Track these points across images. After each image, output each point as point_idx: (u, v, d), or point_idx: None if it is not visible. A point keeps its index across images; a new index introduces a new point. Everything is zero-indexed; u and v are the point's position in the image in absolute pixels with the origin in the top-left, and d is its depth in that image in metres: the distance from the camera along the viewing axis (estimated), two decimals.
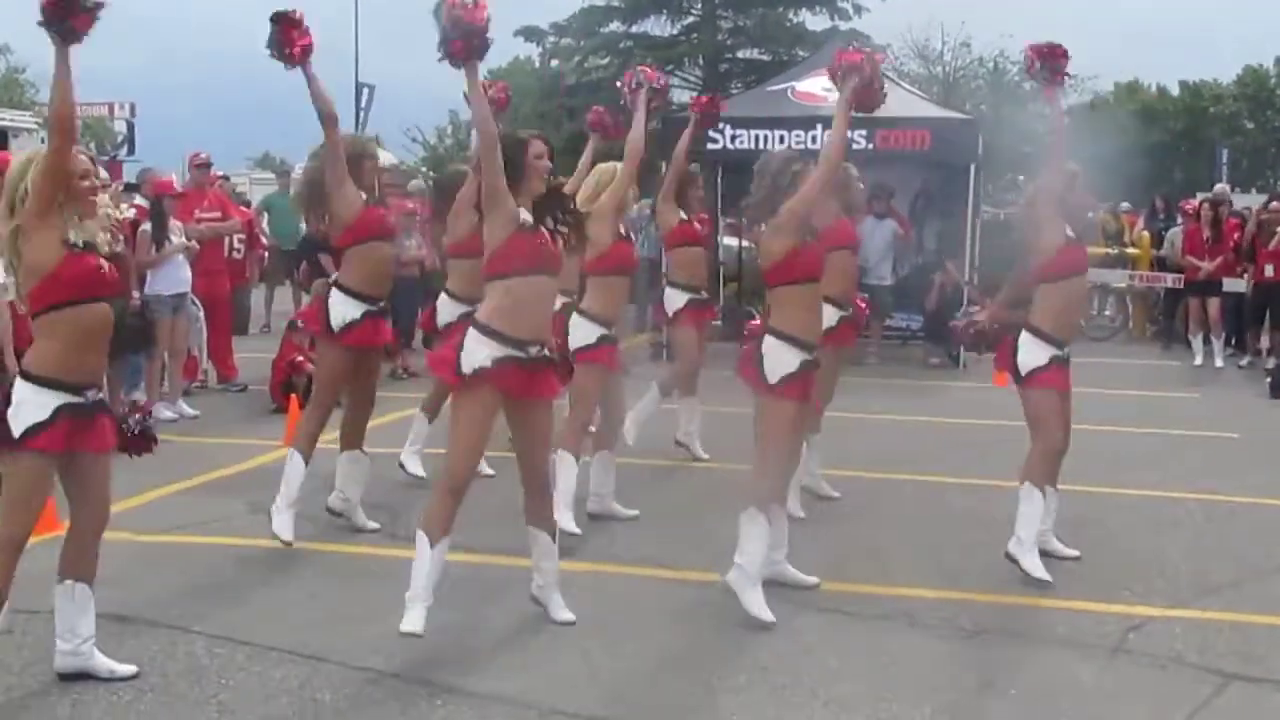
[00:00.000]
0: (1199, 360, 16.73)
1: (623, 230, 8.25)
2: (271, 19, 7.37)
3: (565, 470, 7.92)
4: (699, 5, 31.08)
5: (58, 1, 4.98)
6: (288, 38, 7.34)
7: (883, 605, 6.64)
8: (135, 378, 12.37)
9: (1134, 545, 7.88)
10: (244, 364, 13.75)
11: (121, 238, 10.67)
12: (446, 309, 9.01)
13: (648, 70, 8.56)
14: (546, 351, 6.03)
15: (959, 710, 5.33)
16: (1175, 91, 63.52)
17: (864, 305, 9.11)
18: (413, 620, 5.71)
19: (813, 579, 6.91)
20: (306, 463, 7.59)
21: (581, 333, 7.84)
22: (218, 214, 13.56)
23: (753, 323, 7.22)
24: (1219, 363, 16.57)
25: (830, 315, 7.75)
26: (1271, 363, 16.47)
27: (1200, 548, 7.86)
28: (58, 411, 5.11)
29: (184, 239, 12.05)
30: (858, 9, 30.59)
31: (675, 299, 9.69)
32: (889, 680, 5.61)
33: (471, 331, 5.88)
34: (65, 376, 5.16)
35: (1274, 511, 8.77)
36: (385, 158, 25.06)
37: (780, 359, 6.36)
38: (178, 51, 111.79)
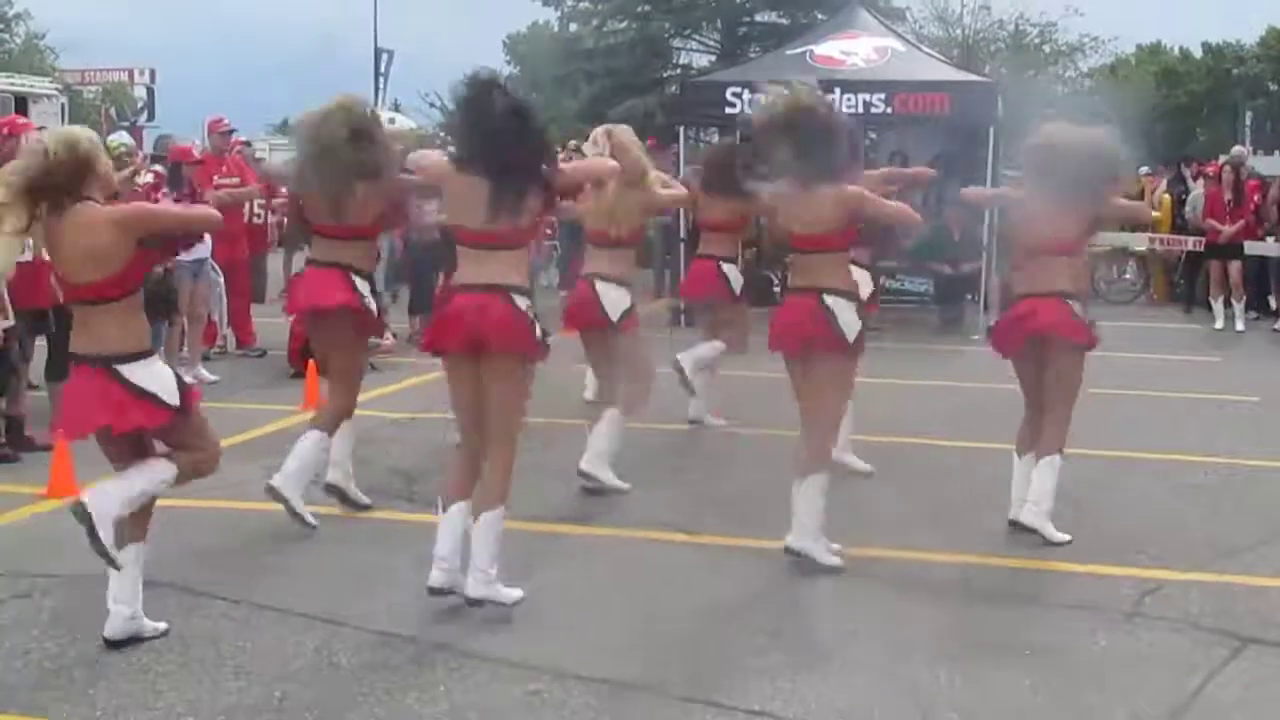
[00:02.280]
0: (1220, 324, 16.67)
1: None
2: None
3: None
4: None
5: None
6: None
7: (897, 568, 6.65)
8: (156, 342, 12.41)
9: (1151, 509, 7.87)
10: (262, 329, 13.80)
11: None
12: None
13: None
14: None
15: (974, 672, 5.33)
16: (1198, 53, 63.03)
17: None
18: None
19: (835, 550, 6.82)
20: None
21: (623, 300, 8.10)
22: (237, 180, 13.56)
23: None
24: (1240, 326, 16.51)
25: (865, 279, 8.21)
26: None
27: (1218, 511, 7.84)
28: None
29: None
30: None
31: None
32: (904, 643, 5.62)
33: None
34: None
35: None
36: (403, 122, 25.08)
37: (851, 317, 6.55)
38: (197, 15, 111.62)
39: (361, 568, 6.63)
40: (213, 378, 12.06)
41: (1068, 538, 7.03)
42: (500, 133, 5.71)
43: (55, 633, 5.65)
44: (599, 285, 8.09)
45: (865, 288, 8.05)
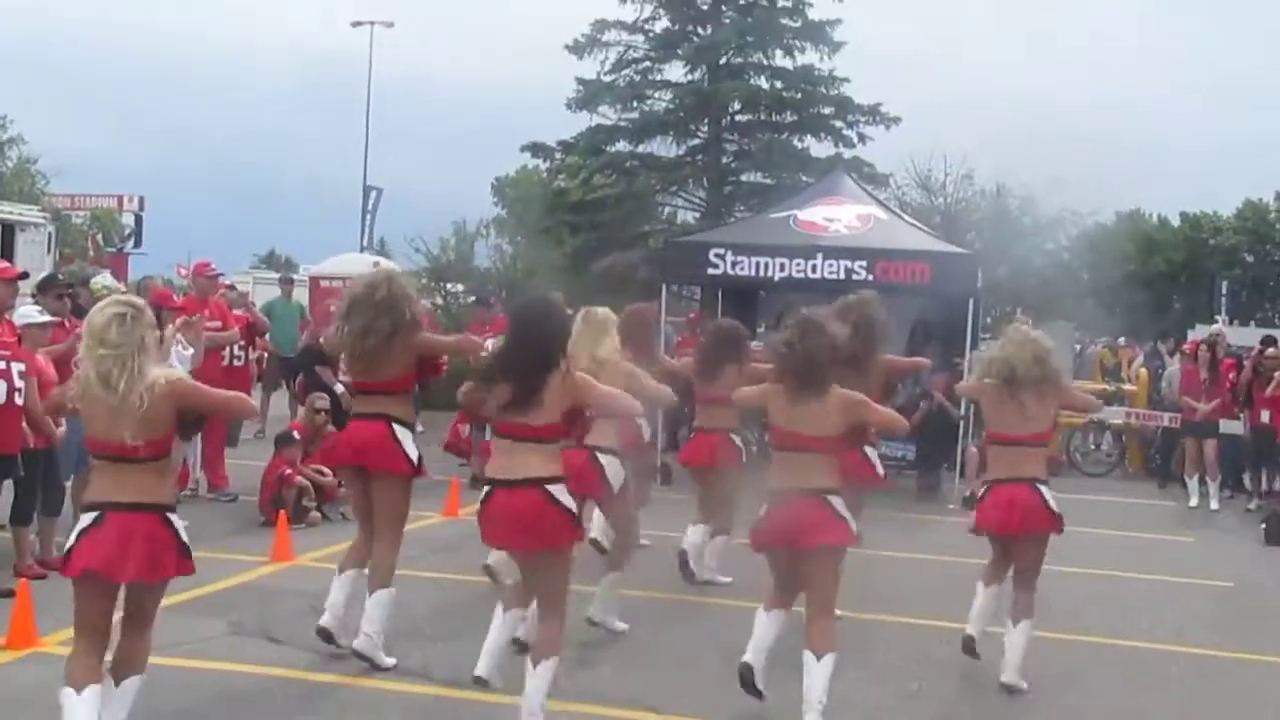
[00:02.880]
0: (1194, 502, 16.69)
1: None
2: None
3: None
4: (705, 128, 31.38)
5: None
6: None
7: None
8: None
9: (1124, 702, 7.79)
10: (235, 472, 13.72)
11: None
12: None
13: None
14: None
15: None
16: (1176, 222, 64.07)
17: None
18: None
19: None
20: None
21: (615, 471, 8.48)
22: (218, 324, 13.58)
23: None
24: (1214, 505, 16.54)
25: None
26: (1254, 504, 16.51)
27: (1190, 708, 7.77)
28: None
29: (185, 350, 12.08)
30: (862, 137, 30.88)
31: None
32: None
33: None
34: None
35: (1265, 669, 8.67)
36: (388, 265, 25.25)
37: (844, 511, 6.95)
38: (190, 143, 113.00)
39: None
40: (182, 523, 11.91)
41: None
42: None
43: None
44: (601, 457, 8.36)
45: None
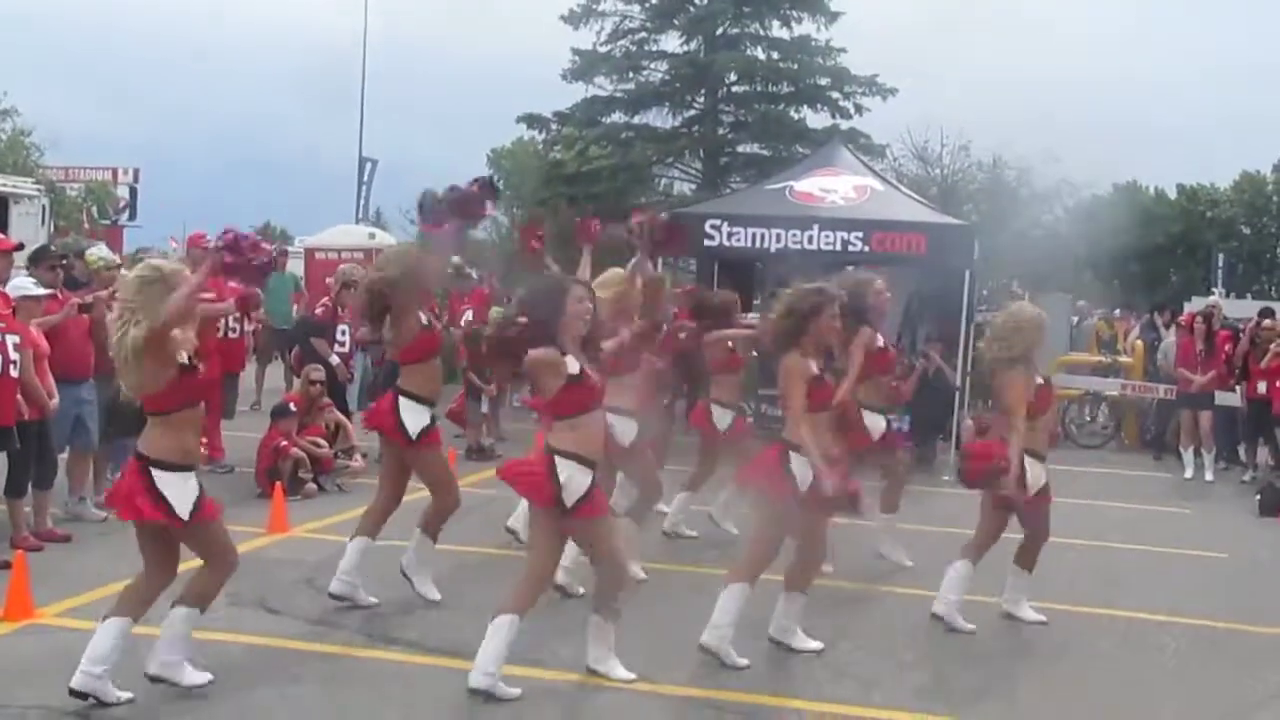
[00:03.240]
0: (1190, 473, 16.71)
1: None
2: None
3: None
4: (701, 99, 31.39)
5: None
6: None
7: None
8: (123, 457, 12.32)
9: (1117, 672, 7.81)
10: (232, 444, 13.72)
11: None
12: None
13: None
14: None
15: None
16: (1173, 194, 63.95)
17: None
18: None
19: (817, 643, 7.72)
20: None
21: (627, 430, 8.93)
22: (212, 295, 13.52)
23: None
24: (1209, 476, 16.57)
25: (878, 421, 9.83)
26: (1248, 475, 16.55)
27: (1184, 677, 7.79)
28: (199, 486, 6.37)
29: None
30: (859, 108, 30.89)
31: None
32: None
33: (560, 460, 6.61)
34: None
35: (1259, 640, 8.70)
36: (384, 238, 25.23)
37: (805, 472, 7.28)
38: (186, 114, 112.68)
39: (318, 708, 6.52)
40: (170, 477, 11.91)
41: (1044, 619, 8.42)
42: None
43: None
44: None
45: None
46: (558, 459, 6.65)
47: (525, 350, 6.55)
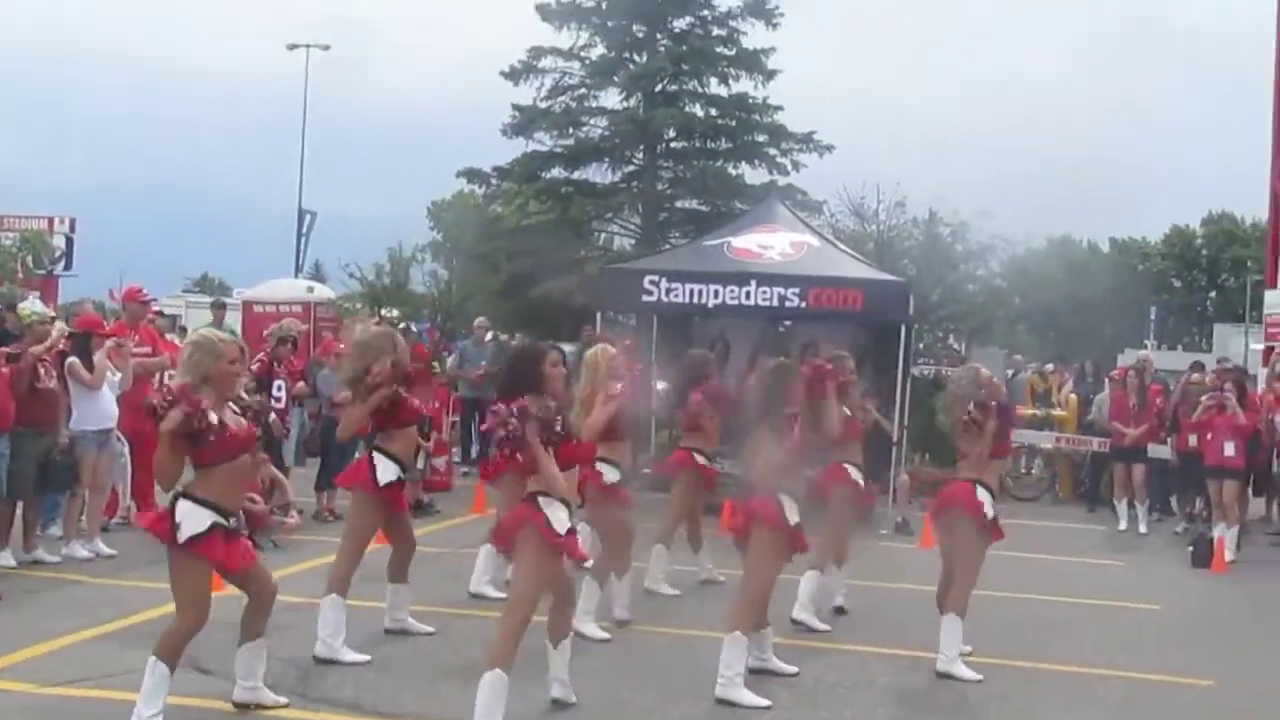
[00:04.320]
0: (1124, 525, 16.89)
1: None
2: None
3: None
4: (640, 154, 31.56)
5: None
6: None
7: None
8: (54, 512, 12.18)
9: None
10: (166, 501, 13.55)
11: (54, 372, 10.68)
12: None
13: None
14: None
15: None
16: (1105, 248, 64.94)
17: None
18: None
19: (792, 668, 8.44)
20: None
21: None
22: (148, 350, 13.45)
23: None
24: (1143, 529, 16.76)
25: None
26: (1181, 527, 16.76)
27: None
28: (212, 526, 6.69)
29: (114, 375, 12.00)
30: (796, 165, 31.15)
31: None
32: None
33: (549, 507, 6.95)
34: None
35: (1190, 693, 8.76)
36: (322, 291, 25.14)
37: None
38: (124, 164, 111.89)
39: None
40: (110, 552, 11.81)
41: (979, 677, 8.48)
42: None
43: None
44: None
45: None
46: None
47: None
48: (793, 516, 8.00)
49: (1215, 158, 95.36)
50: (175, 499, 6.75)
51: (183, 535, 6.64)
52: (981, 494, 8.80)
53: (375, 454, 8.98)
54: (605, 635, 9.30)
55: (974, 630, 8.83)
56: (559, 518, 6.96)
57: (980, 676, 8.57)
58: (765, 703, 7.74)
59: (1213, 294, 68.28)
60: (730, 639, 7.78)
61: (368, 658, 8.40)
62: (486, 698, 6.69)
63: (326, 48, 46.29)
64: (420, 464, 16.54)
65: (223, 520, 6.77)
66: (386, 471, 8.86)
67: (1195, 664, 9.45)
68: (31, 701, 7.31)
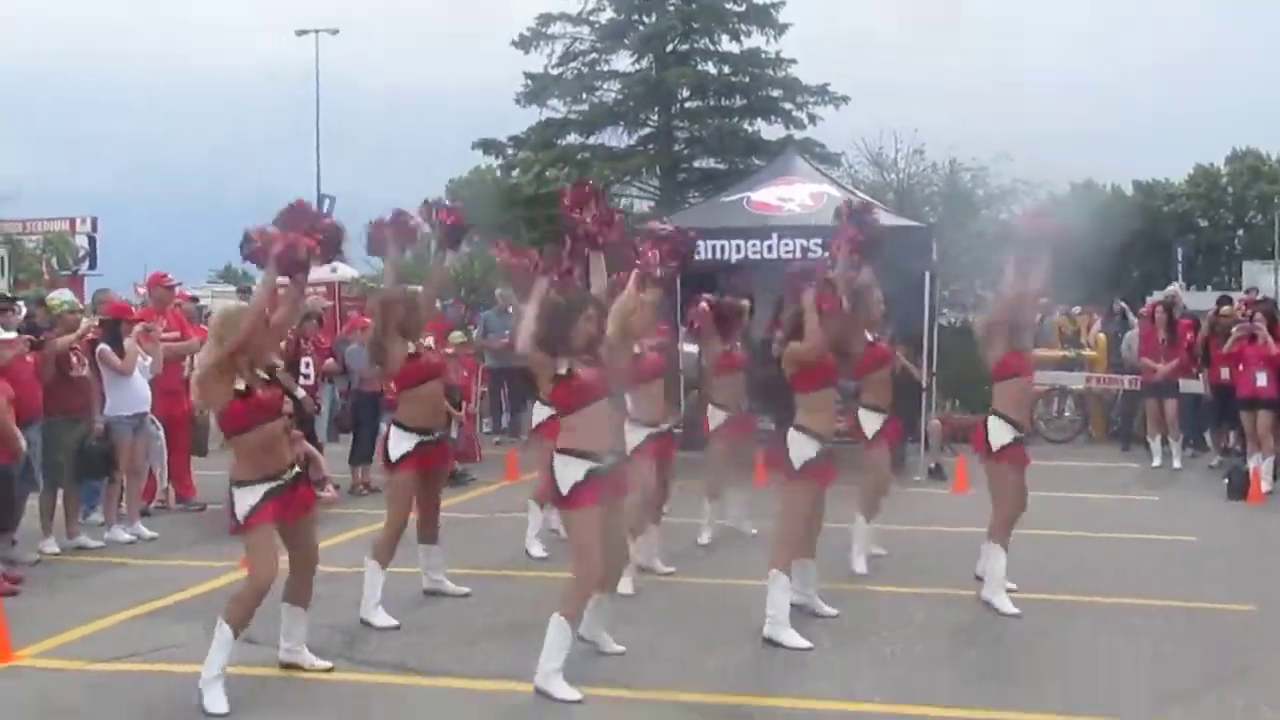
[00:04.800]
0: (1157, 461, 16.85)
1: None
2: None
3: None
4: (655, 116, 31.49)
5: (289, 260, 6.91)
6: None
7: None
8: (93, 499, 12.30)
9: (1094, 654, 7.88)
10: (203, 482, 13.67)
11: (86, 360, 10.77)
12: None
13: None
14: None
15: None
16: (1129, 191, 64.45)
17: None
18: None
19: (833, 610, 8.61)
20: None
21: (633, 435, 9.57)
22: (176, 334, 13.54)
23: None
24: (1177, 464, 16.71)
25: (875, 420, 10.12)
26: (1215, 461, 16.70)
27: (1159, 656, 7.86)
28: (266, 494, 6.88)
29: (144, 360, 12.09)
30: (812, 118, 31.05)
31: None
32: None
33: (559, 457, 7.06)
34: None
35: (1231, 617, 8.79)
36: (346, 272, 25.20)
37: (803, 448, 7.95)
38: (143, 163, 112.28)
39: None
40: (150, 534, 11.92)
41: (1016, 611, 8.58)
42: None
43: None
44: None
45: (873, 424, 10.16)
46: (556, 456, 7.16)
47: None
48: (806, 454, 8.02)
49: (1238, 93, 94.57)
50: (230, 494, 6.94)
51: (241, 515, 6.87)
52: (994, 424, 8.87)
53: (392, 429, 9.06)
54: (631, 590, 9.14)
55: (1011, 566, 8.86)
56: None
57: (1017, 611, 8.61)
58: (807, 644, 7.81)
59: (1240, 232, 67.81)
60: (770, 578, 7.92)
61: (396, 623, 8.45)
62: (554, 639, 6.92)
63: (335, 31, 46.29)
64: (454, 433, 16.69)
65: (273, 483, 6.93)
66: (398, 446, 8.87)
67: (1234, 592, 9.47)
68: (83, 678, 7.42)
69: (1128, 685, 7.24)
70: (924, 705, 6.85)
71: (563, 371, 7.10)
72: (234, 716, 6.66)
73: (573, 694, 6.81)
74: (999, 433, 8.84)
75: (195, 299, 18.10)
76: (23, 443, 10.11)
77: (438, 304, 20.02)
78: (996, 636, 8.30)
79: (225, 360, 6.86)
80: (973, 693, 7.05)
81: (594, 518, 7.01)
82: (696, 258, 16.37)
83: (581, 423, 7.10)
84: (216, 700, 6.69)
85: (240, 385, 6.88)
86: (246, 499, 6.86)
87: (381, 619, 8.52)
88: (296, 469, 7.23)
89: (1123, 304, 22.02)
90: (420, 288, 9.71)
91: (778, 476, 8.24)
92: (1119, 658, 7.80)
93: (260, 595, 6.93)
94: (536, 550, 10.78)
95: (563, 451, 7.10)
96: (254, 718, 6.73)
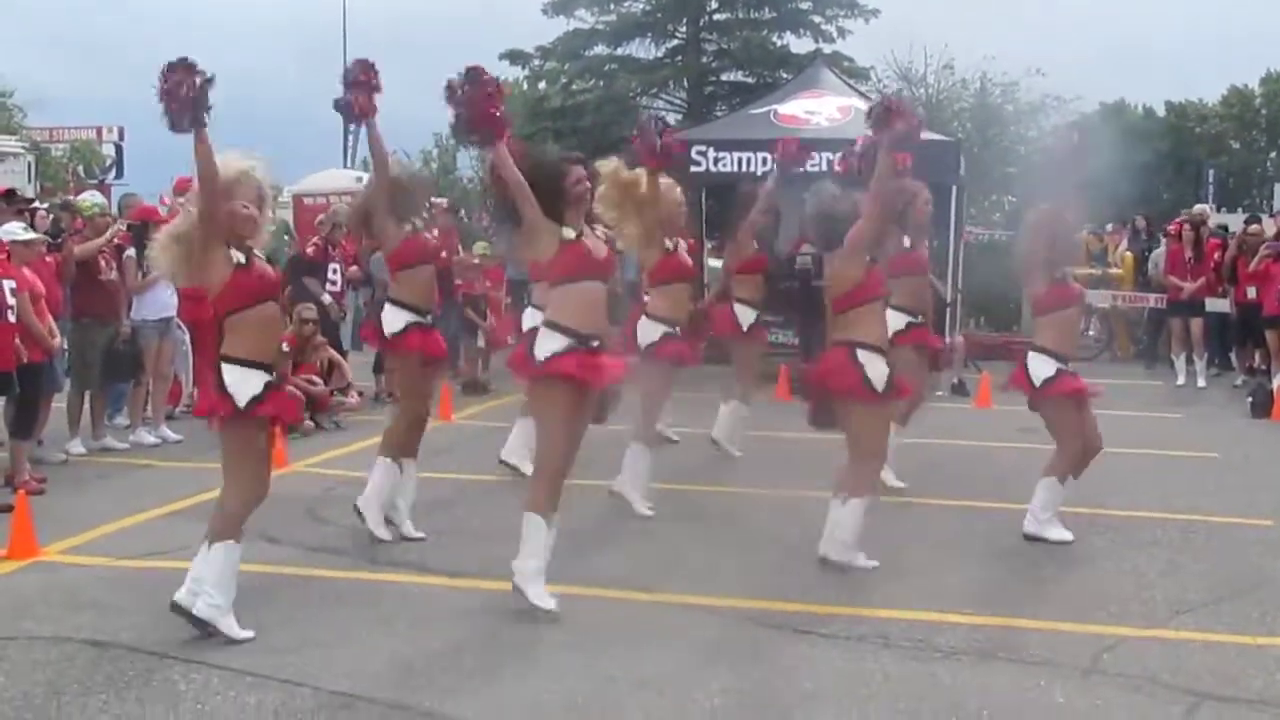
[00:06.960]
0: (1182, 380, 16.82)
1: (669, 244, 9.35)
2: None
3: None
4: (683, 28, 31.08)
5: (178, 108, 6.24)
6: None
7: (858, 627, 6.64)
8: (119, 402, 12.41)
9: (1111, 566, 7.92)
10: None
11: (114, 264, 10.80)
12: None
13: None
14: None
15: None
16: (1161, 112, 63.73)
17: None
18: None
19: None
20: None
21: (648, 331, 9.25)
22: None
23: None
24: (1201, 382, 16.68)
25: (900, 320, 9.36)
26: (1240, 380, 16.64)
27: (1177, 568, 7.88)
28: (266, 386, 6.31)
29: None
30: (841, 32, 30.58)
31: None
32: (862, 703, 5.62)
33: (543, 330, 6.68)
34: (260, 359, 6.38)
35: (1251, 531, 8.80)
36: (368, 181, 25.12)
37: (877, 365, 7.55)
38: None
39: (320, 628, 6.59)
40: (176, 437, 12.04)
41: (1071, 537, 8.34)
42: None
43: (10, 694, 5.60)
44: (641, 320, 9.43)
45: (898, 324, 9.38)
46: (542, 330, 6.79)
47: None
48: (879, 372, 7.60)
49: (1275, 15, 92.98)
50: (218, 371, 6.29)
51: (243, 401, 6.23)
52: (1034, 361, 8.56)
53: (386, 306, 8.58)
54: (650, 512, 9.12)
55: (1030, 481, 8.83)
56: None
57: (1070, 536, 8.40)
58: (872, 564, 7.73)
59: (1273, 154, 67.02)
60: (849, 507, 7.68)
61: (389, 537, 8.29)
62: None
63: None
64: (480, 343, 16.75)
65: (271, 377, 6.39)
66: (394, 321, 8.40)
67: (1255, 506, 9.50)
68: (108, 574, 7.53)
69: (1144, 595, 7.27)
70: (937, 612, 6.89)
71: (569, 236, 6.69)
72: (256, 612, 6.73)
73: (548, 602, 6.66)
74: (1040, 367, 8.47)
75: None
76: (58, 339, 10.24)
77: (461, 213, 20.08)
78: (1016, 547, 8.32)
79: (202, 231, 6.27)
80: (989, 602, 7.08)
81: (564, 395, 6.61)
82: (723, 170, 16.42)
83: (573, 298, 6.68)
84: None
85: (239, 258, 6.36)
86: (247, 383, 6.25)
87: (373, 519, 8.29)
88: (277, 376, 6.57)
89: (1144, 220, 21.87)
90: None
91: (853, 403, 7.63)
92: (1138, 569, 7.83)
93: (249, 511, 6.67)
94: (514, 461, 10.27)
95: (549, 325, 6.70)
96: (276, 614, 6.81)
